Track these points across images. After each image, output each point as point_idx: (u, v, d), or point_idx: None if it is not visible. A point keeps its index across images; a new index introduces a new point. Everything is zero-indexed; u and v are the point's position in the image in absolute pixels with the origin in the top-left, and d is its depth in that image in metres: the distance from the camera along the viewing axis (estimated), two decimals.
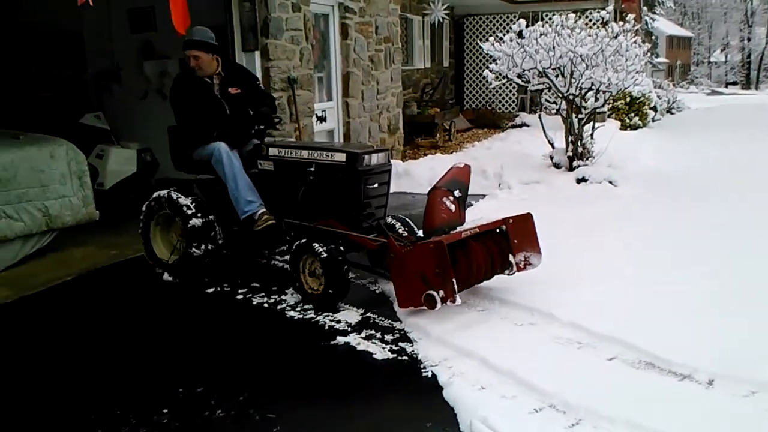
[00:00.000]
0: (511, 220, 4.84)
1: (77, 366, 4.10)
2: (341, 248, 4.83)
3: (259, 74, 7.62)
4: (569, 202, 7.85)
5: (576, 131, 9.16)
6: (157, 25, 8.74)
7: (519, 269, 4.85)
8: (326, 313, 4.69)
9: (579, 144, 9.12)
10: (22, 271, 5.90)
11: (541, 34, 8.77)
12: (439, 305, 4.18)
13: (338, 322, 4.55)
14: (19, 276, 5.77)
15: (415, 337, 4.25)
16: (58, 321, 4.90)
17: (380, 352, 4.07)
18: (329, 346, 4.20)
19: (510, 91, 17.25)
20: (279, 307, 4.87)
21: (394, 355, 4.03)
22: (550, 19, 9.32)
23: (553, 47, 8.58)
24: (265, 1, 7.52)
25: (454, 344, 4.06)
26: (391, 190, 8.85)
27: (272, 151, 5.41)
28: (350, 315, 4.65)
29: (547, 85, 9.27)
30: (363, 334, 4.33)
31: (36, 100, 9.35)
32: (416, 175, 9.43)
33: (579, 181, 8.66)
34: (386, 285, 5.19)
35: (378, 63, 10.51)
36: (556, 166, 9.27)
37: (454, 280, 4.16)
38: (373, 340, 4.24)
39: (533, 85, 9.28)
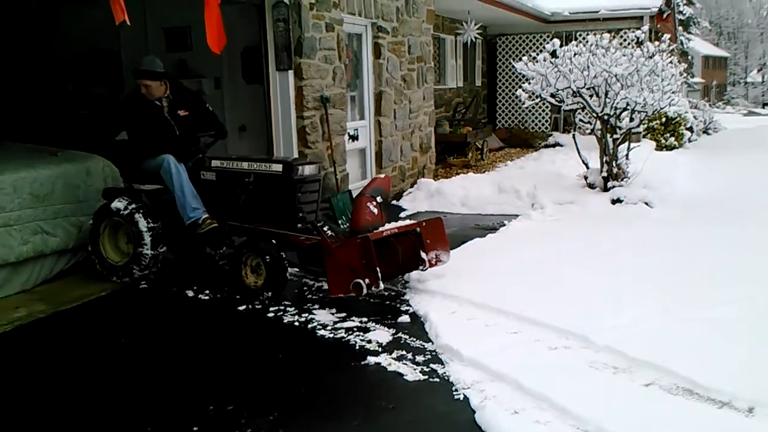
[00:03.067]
0: (424, 224, 5.67)
1: (109, 382, 4.11)
2: (279, 246, 5.47)
3: (291, 93, 7.69)
4: (604, 223, 7.74)
5: (611, 151, 9.06)
6: (192, 45, 8.87)
7: (431, 265, 5.58)
8: (357, 333, 4.66)
9: (614, 164, 9.01)
10: (57, 287, 5.97)
11: (575, 54, 8.70)
12: (364, 291, 4.80)
13: (369, 342, 4.51)
14: (53, 291, 5.84)
15: (447, 359, 4.19)
16: (91, 336, 4.93)
17: (411, 373, 4.02)
18: (360, 367, 4.16)
19: (543, 111, 17.17)
20: (310, 326, 4.85)
21: (426, 377, 3.98)
22: (583, 38, 9.26)
23: (588, 67, 8.51)
24: (299, 21, 7.58)
25: (486, 367, 3.99)
26: (424, 209, 8.96)
27: (215, 163, 6.01)
28: (381, 335, 4.61)
29: (581, 105, 9.19)
30: (394, 355, 4.28)
31: (74, 117, 9.51)
32: (448, 195, 9.39)
33: (614, 201, 8.55)
34: (417, 306, 5.17)
35: (410, 82, 10.53)
36: (591, 186, 9.17)
37: (378, 269, 4.79)
38: (404, 361, 4.19)
39: (567, 105, 9.21)
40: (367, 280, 4.82)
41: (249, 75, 8.69)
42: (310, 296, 5.53)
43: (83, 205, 6.22)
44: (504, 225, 7.88)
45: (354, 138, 9.14)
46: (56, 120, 9.42)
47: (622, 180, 8.97)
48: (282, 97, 7.71)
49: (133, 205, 5.90)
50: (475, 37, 15.22)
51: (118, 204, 5.93)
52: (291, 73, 7.66)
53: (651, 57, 8.83)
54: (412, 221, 5.84)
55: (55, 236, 6.02)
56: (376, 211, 5.56)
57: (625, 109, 8.93)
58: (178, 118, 6.14)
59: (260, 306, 5.30)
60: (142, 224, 5.83)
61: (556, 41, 8.98)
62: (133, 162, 6.16)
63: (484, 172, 12.16)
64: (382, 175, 6.10)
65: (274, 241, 5.51)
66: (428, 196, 9.58)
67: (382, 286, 4.87)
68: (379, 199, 5.63)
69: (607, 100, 8.77)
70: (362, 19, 9.09)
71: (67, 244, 6.12)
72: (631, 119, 9.11)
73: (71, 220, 6.16)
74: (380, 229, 5.48)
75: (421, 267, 5.57)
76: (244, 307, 5.30)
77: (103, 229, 6.05)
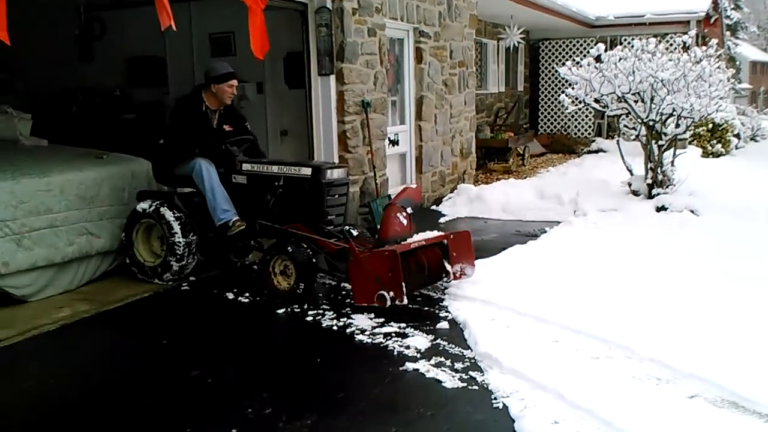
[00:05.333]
0: (452, 236, 5.67)
1: (149, 382, 4.16)
2: (309, 250, 5.53)
3: (333, 98, 7.71)
4: (648, 230, 7.60)
5: (656, 158, 8.90)
6: (236, 50, 8.96)
7: (455, 278, 5.58)
8: (395, 338, 4.64)
9: (659, 171, 8.85)
10: (101, 287, 6.06)
11: (620, 59, 8.58)
12: (388, 303, 4.89)
13: (407, 347, 4.48)
14: (98, 291, 5.94)
15: (486, 367, 4.14)
16: (134, 337, 5.02)
17: (450, 380, 3.99)
18: (398, 372, 4.13)
19: (586, 116, 16.97)
20: (348, 331, 4.85)
21: (464, 384, 3.94)
22: (629, 43, 9.14)
23: (633, 72, 8.38)
24: (341, 27, 7.61)
25: (526, 375, 3.94)
26: (464, 215, 8.91)
27: (245, 167, 6.08)
28: (420, 341, 4.58)
29: (626, 111, 9.05)
30: (432, 361, 4.25)
31: (119, 121, 9.68)
32: (489, 200, 9.33)
33: (659, 209, 8.39)
34: (456, 312, 5.13)
35: (452, 87, 10.49)
36: (635, 193, 9.01)
37: (403, 284, 4.85)
38: (443, 368, 4.16)
39: (611, 111, 9.08)
40: (391, 293, 4.90)
41: (291, 80, 8.75)
42: (348, 301, 5.52)
43: (128, 208, 6.30)
44: (545, 232, 7.79)
45: (394, 143, 9.13)
46: (102, 124, 9.59)
47: (667, 187, 8.80)
48: (323, 102, 7.74)
49: (158, 201, 6.05)
50: (518, 42, 15.11)
51: (143, 205, 6.09)
52: (333, 77, 7.69)
53: (698, 62, 8.66)
54: (441, 233, 5.85)
55: (99, 237, 6.12)
56: (405, 221, 5.64)
57: (671, 115, 8.77)
58: (223, 133, 6.21)
59: (299, 309, 5.32)
60: (169, 215, 5.97)
61: (601, 46, 8.87)
62: (166, 165, 6.25)
63: (525, 177, 12.06)
64: (414, 185, 6.21)
65: (302, 243, 5.57)
66: (468, 202, 9.53)
67: (405, 300, 4.91)
68: (409, 210, 5.69)
69: (653, 105, 8.63)
70: (404, 24, 9.09)
71: (111, 246, 6.22)
72: (677, 125, 8.94)
73: (116, 222, 6.25)
74: (408, 240, 5.54)
75: (445, 278, 5.61)
76: (283, 310, 5.32)
77: (136, 233, 6.16)
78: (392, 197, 8.26)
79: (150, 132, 9.18)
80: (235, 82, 6.14)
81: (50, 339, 4.87)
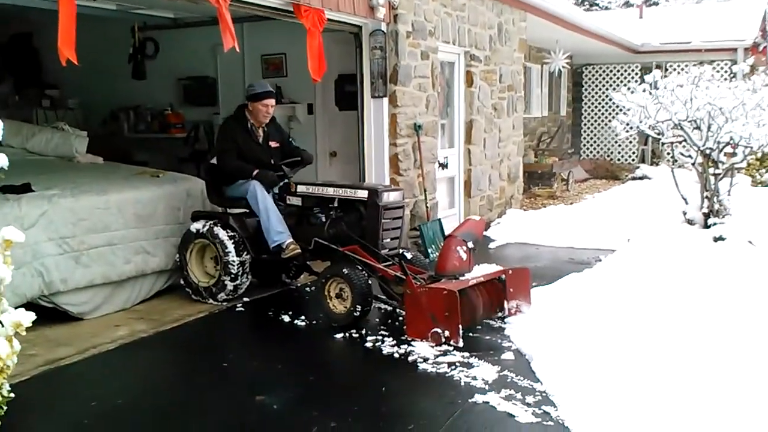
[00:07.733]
0: (510, 272, 5.60)
1: (214, 406, 4.08)
2: (365, 273, 5.43)
3: (385, 120, 7.68)
4: (707, 261, 7.36)
5: (712, 186, 8.69)
6: (287, 72, 8.99)
7: (510, 314, 5.50)
8: (460, 368, 4.51)
9: (715, 200, 8.64)
10: (156, 306, 6.06)
11: (677, 85, 8.43)
12: (442, 342, 4.83)
13: (474, 378, 4.35)
14: (153, 310, 5.93)
15: (558, 402, 3.99)
16: (192, 358, 4.98)
17: (523, 414, 3.85)
18: (468, 404, 4.00)
19: (630, 143, 16.76)
20: (410, 359, 4.72)
21: (539, 420, 3.80)
22: (676, 69, 9.00)
23: (691, 99, 8.22)
24: (395, 49, 7.58)
25: (602, 412, 3.79)
26: (513, 241, 8.76)
27: (300, 189, 6.06)
28: (486, 371, 4.45)
29: (681, 138, 8.87)
30: (502, 394, 4.11)
31: (171, 140, 9.74)
32: (537, 226, 9.23)
33: (716, 239, 8.17)
34: (520, 343, 5.00)
35: (500, 111, 10.41)
36: (690, 222, 8.81)
37: (460, 325, 4.80)
38: (514, 401, 4.02)
39: (667, 138, 8.91)
40: (447, 333, 4.83)
41: (342, 102, 8.75)
42: (406, 327, 5.42)
43: (182, 227, 6.29)
44: (600, 260, 7.62)
45: (444, 166, 9.05)
46: (154, 143, 9.67)
47: (723, 217, 8.58)
48: (375, 124, 7.70)
49: (211, 221, 6.02)
50: (563, 66, 14.99)
51: (197, 225, 6.07)
52: (386, 100, 7.65)
53: (755, 91, 8.47)
54: (498, 267, 5.81)
55: (155, 256, 6.12)
56: (465, 256, 5.47)
57: (728, 143, 8.57)
58: (269, 149, 6.23)
59: (357, 335, 5.22)
60: (222, 234, 5.93)
61: (657, 72, 8.74)
62: (219, 185, 6.25)
63: (570, 203, 11.92)
64: (477, 218, 6.02)
65: (357, 266, 5.47)
66: (517, 227, 9.40)
67: (461, 343, 4.82)
68: (470, 244, 5.54)
69: (710, 133, 8.44)
70: (456, 48, 9.04)
71: (166, 265, 6.22)
72: (733, 154, 8.73)
73: (171, 241, 6.25)
74: (466, 276, 5.41)
75: (500, 313, 5.51)
76: (341, 335, 5.23)
77: (190, 254, 6.14)
78: (442, 221, 8.20)
79: (200, 151, 9.29)
80: (270, 101, 6.13)
81: (110, 358, 4.84)
